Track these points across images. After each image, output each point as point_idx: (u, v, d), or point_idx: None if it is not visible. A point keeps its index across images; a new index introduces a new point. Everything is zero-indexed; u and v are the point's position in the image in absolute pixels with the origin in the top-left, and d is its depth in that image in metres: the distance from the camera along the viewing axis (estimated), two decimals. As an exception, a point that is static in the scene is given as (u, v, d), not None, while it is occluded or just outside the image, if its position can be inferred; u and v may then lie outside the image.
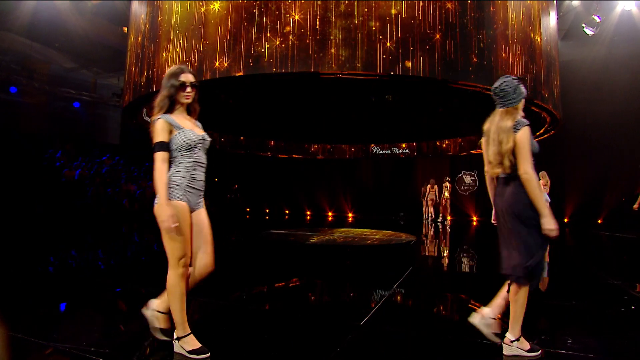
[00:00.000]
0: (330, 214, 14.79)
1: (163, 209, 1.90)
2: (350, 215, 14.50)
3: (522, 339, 2.16)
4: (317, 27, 5.87)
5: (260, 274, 4.36)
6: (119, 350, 2.15)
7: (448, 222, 11.62)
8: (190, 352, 1.98)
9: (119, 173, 12.21)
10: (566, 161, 11.25)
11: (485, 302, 2.43)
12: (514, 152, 2.07)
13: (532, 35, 6.95)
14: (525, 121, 2.12)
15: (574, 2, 9.98)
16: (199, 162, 2.09)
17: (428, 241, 7.89)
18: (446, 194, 11.83)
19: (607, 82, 10.58)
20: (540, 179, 9.17)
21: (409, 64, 5.95)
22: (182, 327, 2.01)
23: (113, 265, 4.93)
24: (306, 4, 5.91)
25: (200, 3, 6.31)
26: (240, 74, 6.02)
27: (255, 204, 15.56)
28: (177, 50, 6.44)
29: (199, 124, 2.21)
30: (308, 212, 15.06)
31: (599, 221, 11.07)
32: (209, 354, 2.00)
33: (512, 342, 2.14)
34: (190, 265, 2.09)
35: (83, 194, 10.25)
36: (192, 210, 2.07)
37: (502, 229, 2.20)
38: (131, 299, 3.29)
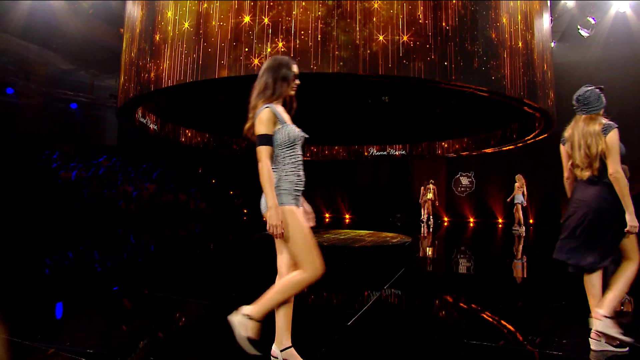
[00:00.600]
0: (327, 215, 14.79)
1: (275, 214, 1.75)
2: (347, 216, 14.50)
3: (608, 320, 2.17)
4: (317, 28, 5.89)
5: (249, 275, 4.35)
6: (118, 351, 2.14)
7: (431, 223, 11.65)
8: None
9: (115, 174, 12.21)
10: (559, 163, 11.27)
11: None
12: (602, 155, 2.20)
13: (526, 37, 6.98)
14: (614, 124, 2.25)
15: (568, 3, 10.01)
16: (301, 160, 1.92)
17: (423, 242, 7.89)
18: (429, 195, 11.86)
19: (602, 83, 10.59)
20: (516, 182, 9.43)
21: (406, 64, 5.98)
22: (287, 336, 1.92)
23: (109, 266, 4.92)
24: (308, 4, 5.93)
25: (196, 3, 6.33)
26: (237, 74, 6.03)
27: (253, 206, 15.54)
28: (173, 50, 6.44)
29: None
30: (305, 214, 15.05)
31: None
32: None
33: (604, 317, 2.16)
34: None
35: (79, 195, 10.23)
36: None
37: (578, 228, 2.29)
38: (131, 299, 3.29)
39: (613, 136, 2.19)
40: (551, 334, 2.57)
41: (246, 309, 1.84)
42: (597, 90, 2.37)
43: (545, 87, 7.50)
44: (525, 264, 5.65)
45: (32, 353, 2.08)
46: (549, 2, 8.26)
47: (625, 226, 2.15)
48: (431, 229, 10.41)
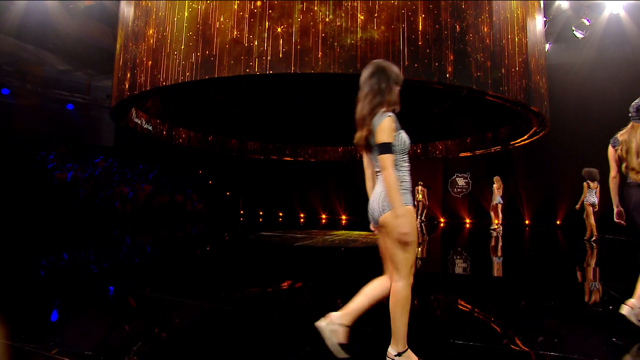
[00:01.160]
0: (323, 216, 14.79)
1: (407, 220, 1.78)
2: (343, 217, 14.51)
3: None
4: (310, 27, 5.89)
5: (240, 275, 4.35)
6: (117, 353, 2.14)
7: (421, 224, 11.77)
8: None
9: (112, 175, 12.19)
10: (555, 164, 11.31)
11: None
12: None
13: (521, 39, 7.00)
14: None
15: (563, 4, 10.06)
16: (409, 166, 1.96)
17: (419, 243, 7.90)
18: (419, 196, 12.08)
19: (596, 84, 10.66)
20: (494, 183, 9.66)
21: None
22: (404, 341, 1.92)
23: (106, 266, 4.91)
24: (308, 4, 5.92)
25: (189, 3, 6.33)
26: (236, 74, 6.00)
27: (250, 207, 15.54)
28: (168, 50, 6.44)
29: None
30: (301, 215, 15.06)
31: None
32: None
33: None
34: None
35: (75, 196, 10.21)
36: None
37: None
38: (124, 300, 3.28)
39: None
40: (542, 333, 2.57)
41: (336, 317, 1.89)
42: None
43: (539, 88, 7.53)
44: (519, 262, 5.66)
45: (24, 356, 2.07)
46: (542, 2, 8.29)
47: None
48: (423, 230, 10.51)
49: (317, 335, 2.01)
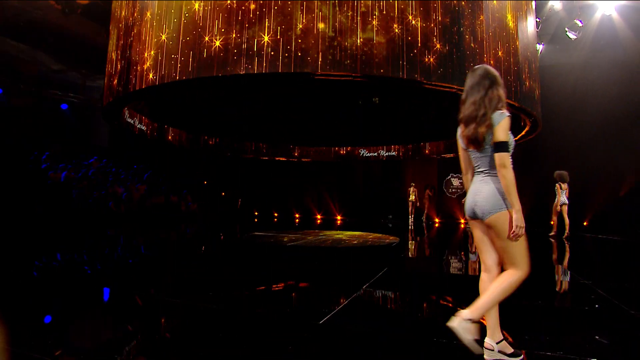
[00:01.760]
0: (319, 216, 14.79)
1: (521, 217, 1.90)
2: (339, 218, 14.51)
3: None
4: (306, 28, 5.88)
5: (230, 275, 4.35)
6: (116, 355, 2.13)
7: (411, 224, 11.83)
8: (511, 355, 2.00)
9: (106, 175, 12.13)
10: (547, 164, 11.36)
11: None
12: None
13: (512, 38, 7.04)
14: None
15: (555, 5, 10.12)
16: None
17: (411, 243, 7.91)
18: (412, 197, 12.18)
19: (589, 85, 10.73)
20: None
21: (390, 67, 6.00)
22: (499, 332, 2.03)
23: (101, 268, 4.89)
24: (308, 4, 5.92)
25: (182, 2, 6.31)
26: (231, 74, 5.98)
27: (245, 207, 15.52)
28: (161, 49, 6.41)
29: None
30: (297, 215, 15.05)
31: (585, 223, 11.18)
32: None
33: None
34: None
35: (69, 196, 10.15)
36: None
37: None
38: (118, 300, 3.27)
39: None
40: (529, 332, 2.59)
41: (466, 314, 1.92)
42: None
43: (532, 89, 7.57)
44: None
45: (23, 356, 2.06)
46: (533, 3, 8.33)
47: None
48: (410, 228, 10.63)
49: (303, 334, 2.02)
